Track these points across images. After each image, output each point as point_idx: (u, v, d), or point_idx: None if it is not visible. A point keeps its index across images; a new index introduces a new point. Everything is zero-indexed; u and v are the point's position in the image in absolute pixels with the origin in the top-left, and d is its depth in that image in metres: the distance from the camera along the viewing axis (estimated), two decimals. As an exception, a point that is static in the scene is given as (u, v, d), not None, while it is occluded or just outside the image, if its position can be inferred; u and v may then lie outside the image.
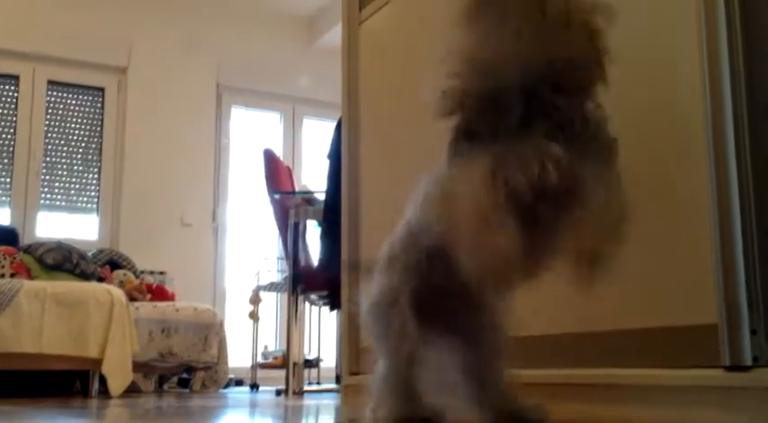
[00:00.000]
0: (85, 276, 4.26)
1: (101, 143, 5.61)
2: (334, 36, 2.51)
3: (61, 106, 5.54)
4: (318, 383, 4.74)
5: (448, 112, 1.00)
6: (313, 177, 5.26)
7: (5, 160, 5.33)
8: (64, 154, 5.51)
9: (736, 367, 1.16)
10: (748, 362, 1.15)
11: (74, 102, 5.59)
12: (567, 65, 0.94)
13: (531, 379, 1.43)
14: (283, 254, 4.45)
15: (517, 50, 0.94)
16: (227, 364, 4.57)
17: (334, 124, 3.30)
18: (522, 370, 1.26)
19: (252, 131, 6.18)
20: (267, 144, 4.98)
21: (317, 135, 6.10)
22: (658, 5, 1.43)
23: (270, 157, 4.23)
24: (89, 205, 5.55)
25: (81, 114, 5.60)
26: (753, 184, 1.20)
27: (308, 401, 3.23)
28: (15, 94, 5.41)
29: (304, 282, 3.85)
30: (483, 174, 0.94)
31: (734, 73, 1.24)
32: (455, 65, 0.99)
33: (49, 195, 5.43)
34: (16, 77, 5.40)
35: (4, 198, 5.30)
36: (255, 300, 4.63)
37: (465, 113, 0.98)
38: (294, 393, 3.78)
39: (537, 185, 0.92)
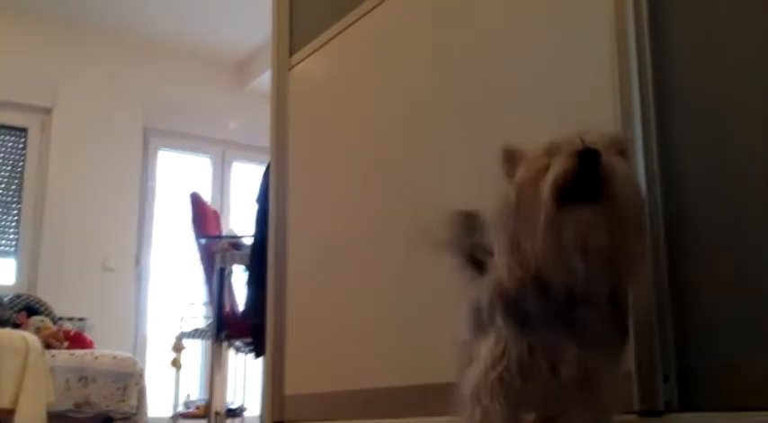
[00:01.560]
0: (0, 323, 4.11)
1: (21, 184, 5.45)
2: (266, 79, 2.52)
3: (-19, 146, 5.40)
4: (242, 433, 4.64)
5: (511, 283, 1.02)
6: (242, 222, 5.22)
7: None
8: (-18, 195, 5.35)
9: (648, 413, 1.19)
10: (661, 407, 1.18)
11: (-5, 142, 5.45)
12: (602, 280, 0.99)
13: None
14: (209, 299, 4.38)
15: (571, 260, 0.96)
16: (146, 414, 4.44)
17: (264, 168, 3.29)
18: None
19: (180, 174, 6.10)
20: (195, 187, 4.92)
21: (247, 179, 6.06)
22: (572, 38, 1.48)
23: (196, 201, 4.18)
24: (7, 248, 5.37)
25: (2, 155, 5.45)
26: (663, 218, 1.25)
27: (230, 451, 3.14)
28: (-67, 133, 5.24)
29: (228, 328, 3.78)
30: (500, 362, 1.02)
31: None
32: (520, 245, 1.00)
33: (-36, 238, 5.24)
34: (-66, 115, 5.25)
35: None
36: (178, 347, 4.52)
37: (516, 287, 1.01)
38: (216, 443, 3.69)
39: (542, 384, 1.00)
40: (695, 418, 1.15)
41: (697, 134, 1.24)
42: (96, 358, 4.29)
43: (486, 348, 1.03)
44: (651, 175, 1.26)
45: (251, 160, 6.07)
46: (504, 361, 1.00)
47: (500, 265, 1.01)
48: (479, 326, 1.09)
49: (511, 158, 1.04)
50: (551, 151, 0.97)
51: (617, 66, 1.34)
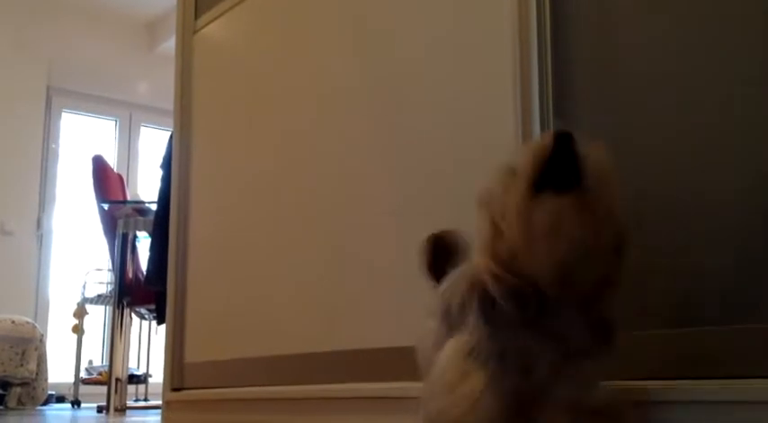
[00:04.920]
0: None
1: None
2: (175, 43, 2.48)
3: None
4: (146, 400, 4.59)
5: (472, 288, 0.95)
6: (149, 187, 5.12)
7: None
8: None
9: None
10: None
11: None
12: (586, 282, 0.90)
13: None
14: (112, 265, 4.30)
15: (547, 257, 0.87)
16: (46, 380, 4.35)
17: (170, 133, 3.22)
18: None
19: (85, 137, 5.93)
20: (101, 151, 4.80)
21: (156, 144, 5.94)
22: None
23: (99, 164, 4.08)
24: None
25: None
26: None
27: (130, 419, 3.12)
28: None
29: (131, 295, 3.72)
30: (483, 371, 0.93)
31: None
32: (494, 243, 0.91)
33: None
34: None
35: None
36: (80, 313, 4.43)
37: (494, 288, 0.92)
38: (116, 410, 3.64)
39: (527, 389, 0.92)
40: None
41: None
42: (-7, 323, 4.18)
43: (451, 347, 0.96)
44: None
45: (160, 125, 5.95)
46: (471, 361, 0.93)
47: (477, 259, 0.93)
48: (449, 325, 1.01)
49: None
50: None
51: (519, 71, 1.37)
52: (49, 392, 4.55)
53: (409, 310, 1.52)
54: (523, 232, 0.86)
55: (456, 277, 1.03)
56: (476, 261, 0.94)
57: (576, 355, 0.91)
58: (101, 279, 4.70)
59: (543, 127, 1.32)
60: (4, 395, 4.31)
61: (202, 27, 2.32)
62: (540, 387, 0.91)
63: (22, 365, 4.19)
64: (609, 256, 0.89)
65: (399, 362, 1.52)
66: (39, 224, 5.54)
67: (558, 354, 0.90)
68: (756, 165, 1.07)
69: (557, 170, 0.86)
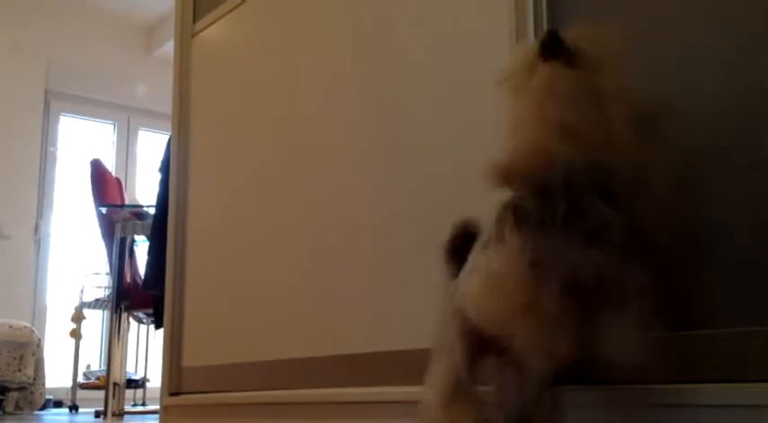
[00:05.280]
0: None
1: None
2: (174, 46, 2.48)
3: None
4: (144, 404, 4.58)
5: (498, 185, 0.94)
6: (147, 191, 5.10)
7: None
8: None
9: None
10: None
11: None
12: (614, 173, 0.90)
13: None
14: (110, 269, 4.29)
15: (572, 147, 0.89)
16: (44, 384, 4.34)
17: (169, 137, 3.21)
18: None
19: (83, 141, 5.92)
20: (99, 155, 4.78)
21: (154, 147, 5.93)
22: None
23: (97, 168, 4.07)
24: None
25: None
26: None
27: (127, 423, 3.11)
28: None
29: (129, 299, 3.71)
30: (529, 266, 0.88)
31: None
32: (518, 143, 0.93)
33: None
34: None
35: None
36: (78, 317, 4.42)
37: (518, 193, 0.92)
38: (114, 415, 3.63)
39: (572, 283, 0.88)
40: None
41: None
42: (-9, 328, 4.17)
43: (488, 258, 0.92)
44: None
45: (158, 128, 5.94)
46: (512, 273, 0.88)
47: (517, 145, 0.93)
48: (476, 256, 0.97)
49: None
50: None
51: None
52: (47, 397, 4.53)
53: (408, 314, 1.51)
54: (531, 98, 0.92)
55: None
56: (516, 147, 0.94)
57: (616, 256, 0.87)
58: (99, 283, 4.69)
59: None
60: (1, 400, 4.30)
61: (201, 30, 2.31)
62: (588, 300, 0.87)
63: (19, 370, 4.17)
64: (624, 137, 0.90)
65: (398, 366, 1.51)
66: (37, 228, 5.53)
67: (601, 256, 0.87)
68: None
69: (553, 41, 0.95)
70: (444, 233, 1.33)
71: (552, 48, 0.96)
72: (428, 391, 1.00)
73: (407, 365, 1.48)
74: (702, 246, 1.05)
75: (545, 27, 1.34)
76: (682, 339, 1.03)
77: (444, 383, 0.98)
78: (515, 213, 0.91)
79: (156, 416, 3.57)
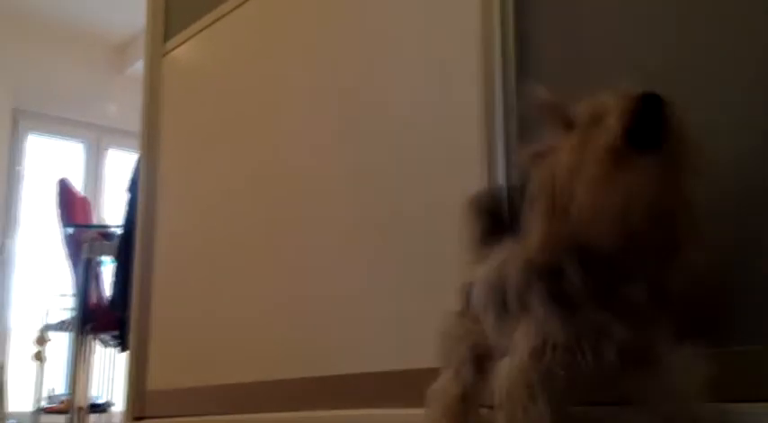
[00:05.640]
0: None
1: None
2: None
3: None
4: (109, 429, 4.49)
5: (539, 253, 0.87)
6: (117, 211, 5.04)
7: None
8: None
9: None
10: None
11: None
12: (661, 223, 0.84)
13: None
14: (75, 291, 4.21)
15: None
16: (7, 408, 4.23)
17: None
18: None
19: (52, 160, 5.84)
20: (68, 174, 4.71)
21: (125, 167, 5.86)
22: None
23: (64, 188, 4.00)
24: None
25: None
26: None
27: (91, 449, 3.03)
28: None
29: (95, 321, 3.64)
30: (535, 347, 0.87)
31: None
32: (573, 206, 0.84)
33: None
34: None
35: None
36: (42, 340, 4.33)
37: (553, 260, 0.86)
38: (77, 440, 3.55)
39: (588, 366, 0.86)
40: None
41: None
42: (-49, 351, 4.07)
43: (521, 339, 0.88)
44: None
45: (129, 147, 5.87)
46: (548, 354, 0.85)
47: (536, 233, 0.86)
48: (504, 309, 0.94)
49: (550, 111, 0.91)
50: (598, 112, 0.85)
51: (483, 90, 1.37)
52: (10, 422, 4.42)
53: (380, 336, 1.50)
54: (601, 191, 0.81)
55: (506, 255, 0.95)
56: (533, 232, 0.86)
57: (646, 328, 0.85)
58: (64, 305, 4.60)
59: (508, 149, 1.31)
60: (-39, 425, 4.20)
61: (171, 50, 2.29)
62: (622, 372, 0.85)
63: (-20, 394, 4.07)
64: (680, 220, 0.85)
65: (368, 388, 1.49)
66: (1, 248, 5.43)
67: (631, 329, 0.84)
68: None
69: (645, 127, 0.82)
70: (414, 252, 1.32)
71: (654, 134, 0.82)
72: (431, 404, 1.00)
73: (378, 387, 1.47)
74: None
75: (512, 44, 1.34)
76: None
77: (449, 397, 0.97)
78: (543, 283, 0.87)
79: (120, 441, 3.50)
